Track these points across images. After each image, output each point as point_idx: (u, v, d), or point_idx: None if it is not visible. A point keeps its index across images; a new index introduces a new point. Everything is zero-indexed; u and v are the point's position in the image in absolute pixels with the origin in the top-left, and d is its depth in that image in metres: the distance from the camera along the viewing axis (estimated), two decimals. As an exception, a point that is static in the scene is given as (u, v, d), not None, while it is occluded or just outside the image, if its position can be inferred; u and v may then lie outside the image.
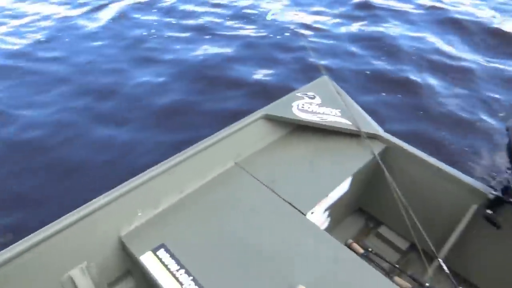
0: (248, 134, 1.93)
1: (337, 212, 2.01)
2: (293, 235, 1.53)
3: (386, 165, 1.85)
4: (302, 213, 1.63)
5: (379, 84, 4.13)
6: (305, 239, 1.52)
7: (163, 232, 1.55)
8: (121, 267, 1.60)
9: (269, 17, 5.94)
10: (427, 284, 1.48)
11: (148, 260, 1.43)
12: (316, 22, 5.77)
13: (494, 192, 1.60)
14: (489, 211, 1.64)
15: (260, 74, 4.36)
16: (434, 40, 5.07)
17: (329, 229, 2.02)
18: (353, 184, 1.90)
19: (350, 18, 5.85)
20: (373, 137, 1.99)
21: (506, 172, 1.56)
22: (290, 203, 1.66)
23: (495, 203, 1.62)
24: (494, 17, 5.68)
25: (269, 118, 2.01)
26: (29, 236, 1.33)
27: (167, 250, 1.46)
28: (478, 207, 1.71)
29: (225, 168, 1.85)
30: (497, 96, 3.96)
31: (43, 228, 1.35)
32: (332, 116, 2.02)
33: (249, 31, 5.47)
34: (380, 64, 4.53)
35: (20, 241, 1.31)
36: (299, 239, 1.52)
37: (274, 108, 2.05)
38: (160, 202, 1.65)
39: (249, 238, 1.52)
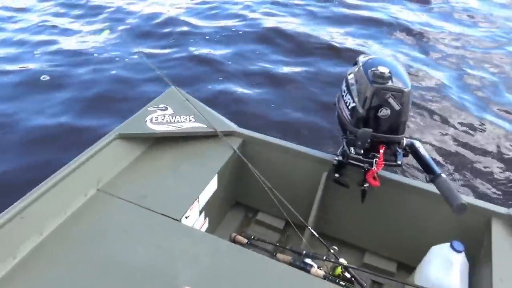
0: (105, 157, 1.86)
1: (214, 211, 2.06)
2: (171, 243, 1.53)
3: (246, 156, 1.99)
4: (176, 220, 1.64)
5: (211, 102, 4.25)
6: (183, 243, 1.53)
7: (28, 283, 1.36)
8: None
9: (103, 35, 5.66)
10: (304, 252, 1.64)
11: None
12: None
13: (336, 158, 1.88)
14: (336, 175, 1.92)
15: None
16: (249, 51, 5.54)
17: (211, 229, 2.05)
18: (221, 182, 1.98)
19: (162, 38, 5.95)
20: (229, 134, 2.12)
21: (342, 139, 1.84)
22: (162, 214, 1.65)
23: (339, 167, 1.90)
24: (292, 22, 6.56)
25: (124, 137, 1.96)
26: None
27: None
28: (327, 174, 1.98)
29: (87, 197, 1.73)
30: (310, 91, 4.59)
31: None
32: (187, 123, 2.08)
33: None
34: (213, 82, 4.72)
35: None
36: (178, 245, 1.52)
37: (127, 126, 2.01)
38: (17, 252, 1.43)
39: (126, 259, 1.46)
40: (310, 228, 1.78)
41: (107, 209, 1.68)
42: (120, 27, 6.28)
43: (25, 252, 1.45)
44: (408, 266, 1.97)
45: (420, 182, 1.88)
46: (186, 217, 1.70)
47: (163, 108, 2.17)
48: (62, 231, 1.56)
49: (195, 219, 1.82)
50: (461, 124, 4.19)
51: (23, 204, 1.48)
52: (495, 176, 3.53)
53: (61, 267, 1.41)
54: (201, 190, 1.82)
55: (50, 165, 1.80)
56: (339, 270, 1.65)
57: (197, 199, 1.79)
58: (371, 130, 1.62)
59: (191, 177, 1.89)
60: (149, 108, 2.16)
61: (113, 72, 4.82)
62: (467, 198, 1.81)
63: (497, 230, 1.70)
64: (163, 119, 2.07)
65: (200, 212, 1.88)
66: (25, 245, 1.46)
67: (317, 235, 1.74)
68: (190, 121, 2.09)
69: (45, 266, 1.42)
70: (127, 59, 5.15)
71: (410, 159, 1.81)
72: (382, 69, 1.61)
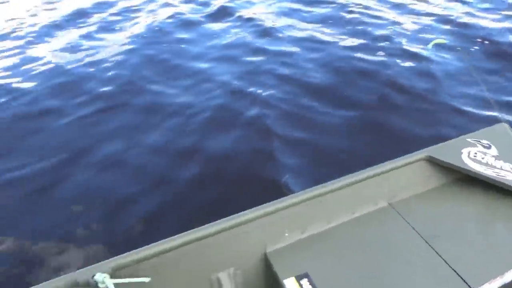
0: (407, 175, 1.78)
1: None
2: None
3: None
4: (469, 286, 1.39)
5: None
6: None
7: (308, 260, 1.52)
8: (264, 283, 1.62)
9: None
10: None
11: (291, 285, 1.41)
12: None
13: None
14: None
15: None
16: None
17: None
18: None
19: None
20: None
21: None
22: (453, 269, 1.44)
23: None
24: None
25: (433, 161, 1.82)
26: (190, 231, 1.40)
27: (311, 282, 1.42)
28: None
29: (377, 207, 1.74)
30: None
31: (202, 227, 1.42)
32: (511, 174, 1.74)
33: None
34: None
35: (183, 233, 1.38)
36: None
37: (439, 151, 1.84)
38: (307, 228, 1.63)
39: (384, 277, 1.43)
40: None
41: (392, 227, 1.64)
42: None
43: (312, 232, 1.62)
44: None
45: None
46: None
47: (486, 145, 1.89)
48: (346, 228, 1.64)
49: None
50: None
51: (320, 191, 1.60)
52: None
53: (336, 261, 1.51)
54: (509, 266, 1.45)
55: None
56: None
57: (501, 276, 1.44)
58: None
59: (500, 243, 1.55)
60: (468, 139, 1.92)
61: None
62: None
63: None
64: (482, 158, 1.81)
65: None
66: (314, 226, 1.63)
67: None
68: None
69: (324, 253, 1.54)
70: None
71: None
72: None
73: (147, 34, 5.80)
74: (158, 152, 3.12)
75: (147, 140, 3.26)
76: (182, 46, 5.35)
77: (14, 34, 6.20)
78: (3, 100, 4.04)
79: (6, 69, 4.91)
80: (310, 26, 5.85)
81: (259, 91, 3.97)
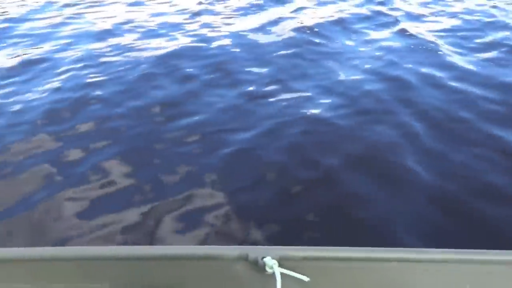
0: None
1: None
2: None
3: None
4: None
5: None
6: None
7: None
8: None
9: None
10: None
11: None
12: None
13: None
14: None
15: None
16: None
17: None
18: None
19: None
20: None
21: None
22: None
23: None
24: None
25: None
26: (366, 248, 1.28)
27: None
28: None
29: None
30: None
31: (377, 248, 1.29)
32: None
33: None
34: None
35: (355, 247, 1.28)
36: None
37: None
38: None
39: None
40: None
41: None
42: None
43: None
44: None
45: None
46: None
47: None
48: None
49: None
50: None
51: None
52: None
53: None
54: None
55: None
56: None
57: None
58: None
59: None
60: None
61: None
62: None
63: None
64: None
65: None
66: None
67: None
68: None
69: None
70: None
71: None
72: None
73: (307, 33, 5.84)
74: (286, 151, 3.10)
75: (278, 137, 3.29)
76: (338, 51, 5.20)
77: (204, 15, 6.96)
78: (199, 72, 4.62)
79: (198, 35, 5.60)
80: (489, 53, 4.96)
81: (407, 118, 3.48)
